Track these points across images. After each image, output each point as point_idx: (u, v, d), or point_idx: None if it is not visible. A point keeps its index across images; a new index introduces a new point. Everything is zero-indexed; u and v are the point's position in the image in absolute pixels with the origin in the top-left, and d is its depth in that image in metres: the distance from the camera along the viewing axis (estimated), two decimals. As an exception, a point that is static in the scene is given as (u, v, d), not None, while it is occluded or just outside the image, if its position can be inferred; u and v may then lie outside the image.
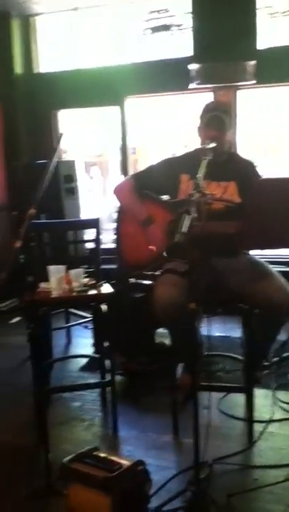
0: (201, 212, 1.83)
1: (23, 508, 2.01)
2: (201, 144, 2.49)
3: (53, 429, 2.17)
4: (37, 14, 5.07)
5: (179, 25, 4.46)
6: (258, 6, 4.26)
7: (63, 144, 4.43)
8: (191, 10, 4.41)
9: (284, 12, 4.15)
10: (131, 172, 5.08)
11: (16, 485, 2.19)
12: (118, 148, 5.21)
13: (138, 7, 4.69)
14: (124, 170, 5.08)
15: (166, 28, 4.48)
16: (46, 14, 5.06)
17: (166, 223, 2.51)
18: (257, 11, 4.26)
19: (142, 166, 4.90)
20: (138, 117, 5.16)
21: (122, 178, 5.07)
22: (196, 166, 2.15)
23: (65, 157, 5.36)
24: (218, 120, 2.52)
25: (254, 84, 4.33)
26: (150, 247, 2.47)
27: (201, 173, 2.03)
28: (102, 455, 1.96)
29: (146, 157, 5.85)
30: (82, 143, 5.74)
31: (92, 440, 2.58)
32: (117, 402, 2.69)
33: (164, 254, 2.42)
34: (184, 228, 1.72)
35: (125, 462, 1.90)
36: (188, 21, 4.44)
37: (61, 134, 2.14)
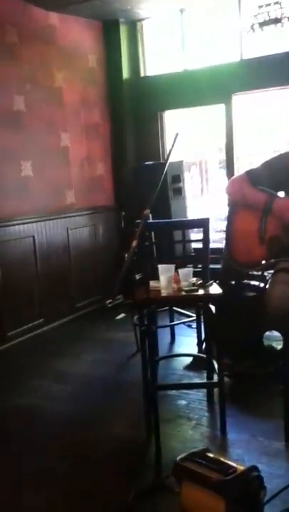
0: None
1: (135, 503, 2.05)
2: None
3: (161, 427, 2.20)
4: (143, 19, 5.17)
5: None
6: None
7: (171, 144, 4.46)
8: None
9: None
10: (235, 170, 5.01)
11: (128, 481, 2.25)
12: (218, 148, 5.15)
13: (246, 2, 4.59)
14: (229, 168, 5.00)
15: (276, 21, 4.32)
16: (152, 18, 5.13)
17: (283, 218, 2.41)
18: None
19: (245, 165, 4.80)
20: (244, 118, 5.03)
21: (227, 176, 5.03)
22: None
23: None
24: None
25: None
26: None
27: None
28: (215, 457, 1.94)
29: (249, 155, 5.70)
30: (186, 142, 5.74)
31: (200, 440, 2.58)
32: (225, 403, 2.65)
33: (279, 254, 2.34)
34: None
35: (239, 466, 1.86)
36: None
37: (177, 134, 2.13)
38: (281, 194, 2.57)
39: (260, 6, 4.40)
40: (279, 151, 2.90)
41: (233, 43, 4.78)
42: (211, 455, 1.95)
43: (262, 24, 4.41)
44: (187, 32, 5.03)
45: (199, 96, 4.90)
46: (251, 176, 2.60)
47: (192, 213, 4.83)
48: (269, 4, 4.36)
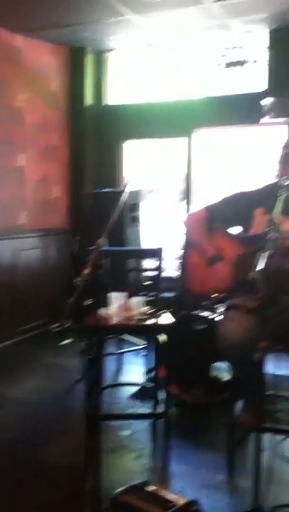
0: (277, 248, 1.80)
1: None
2: (277, 179, 2.47)
3: (101, 457, 2.14)
4: (111, 49, 5.28)
5: (253, 61, 4.50)
6: None
7: (129, 174, 4.52)
8: (267, 45, 4.47)
9: None
10: (193, 201, 5.14)
11: None
12: (179, 178, 5.27)
13: (213, 43, 4.78)
14: (188, 199, 5.12)
15: (240, 63, 4.55)
16: (120, 49, 5.25)
17: (235, 257, 2.48)
18: None
19: (204, 197, 4.93)
20: (204, 148, 5.20)
21: (185, 207, 5.13)
22: (271, 200, 2.13)
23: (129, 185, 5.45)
24: None
25: None
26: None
27: (277, 210, 2.01)
28: (154, 490, 1.92)
29: (208, 188, 5.87)
30: (145, 171, 5.84)
31: (142, 472, 2.52)
32: (169, 434, 2.63)
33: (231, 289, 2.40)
34: (260, 265, 1.69)
35: (179, 500, 1.85)
36: (263, 55, 4.48)
37: (127, 181, 2.20)
38: (239, 229, 2.65)
39: (227, 48, 4.62)
40: (239, 186, 3.01)
41: (198, 79, 4.95)
42: (151, 488, 1.92)
43: (228, 65, 4.62)
44: (153, 65, 5.17)
45: (162, 128, 5.01)
46: (210, 212, 2.68)
47: (150, 241, 4.86)
48: (235, 47, 4.58)
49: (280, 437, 2.71)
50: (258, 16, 4.14)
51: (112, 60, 5.42)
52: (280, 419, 3.00)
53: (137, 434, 2.92)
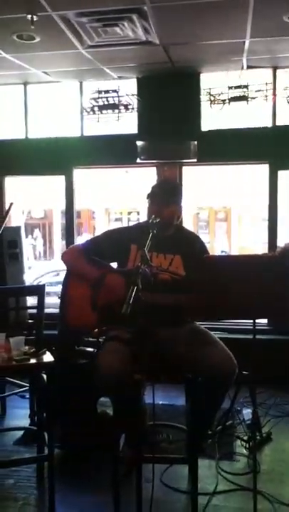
0: (147, 282, 1.89)
1: None
2: (148, 218, 2.61)
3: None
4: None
5: (126, 105, 4.72)
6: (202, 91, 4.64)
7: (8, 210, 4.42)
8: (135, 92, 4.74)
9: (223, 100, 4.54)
10: (76, 236, 5.17)
11: None
12: (61, 212, 5.30)
13: (87, 85, 4.96)
14: (70, 235, 5.15)
15: (114, 106, 4.74)
16: (-2, 85, 5.22)
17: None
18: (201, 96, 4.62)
19: (85, 229, 5.00)
20: (85, 185, 5.30)
21: (64, 242, 5.13)
22: (144, 237, 2.24)
23: (8, 221, 5.35)
24: (158, 197, 2.65)
25: (196, 161, 4.62)
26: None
27: (146, 246, 2.12)
28: None
29: (89, 221, 5.97)
30: (26, 205, 5.78)
31: (27, 523, 2.42)
32: (55, 479, 2.55)
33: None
34: (130, 299, 1.76)
35: None
36: (135, 101, 4.74)
37: (11, 204, 2.15)
38: (114, 265, 2.73)
39: (100, 92, 4.79)
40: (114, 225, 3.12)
41: (75, 119, 5.07)
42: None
43: (101, 108, 4.79)
44: (31, 103, 5.20)
45: (40, 165, 5.01)
46: (87, 246, 2.73)
47: (34, 276, 4.77)
48: (107, 91, 4.78)
49: (164, 466, 2.79)
50: (128, 65, 4.41)
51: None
52: (164, 449, 3.07)
53: (21, 481, 2.80)
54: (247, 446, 3.07)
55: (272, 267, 1.93)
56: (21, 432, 3.33)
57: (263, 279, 1.87)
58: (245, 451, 3.06)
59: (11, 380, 3.95)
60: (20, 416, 3.68)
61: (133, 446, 2.57)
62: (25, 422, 3.46)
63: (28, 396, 3.66)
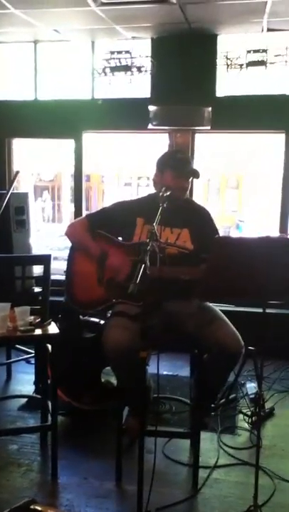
0: (155, 257, 1.84)
1: None
2: (158, 190, 2.51)
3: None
4: (-2, 43, 5.04)
5: (139, 68, 4.54)
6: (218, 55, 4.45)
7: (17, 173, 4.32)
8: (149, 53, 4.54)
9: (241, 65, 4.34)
10: (84, 199, 5.09)
11: None
12: (70, 175, 5.21)
13: (99, 45, 4.77)
14: (78, 199, 5.07)
15: (126, 68, 4.56)
16: (7, 44, 5.03)
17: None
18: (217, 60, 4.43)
19: (94, 193, 4.92)
20: (95, 149, 5.17)
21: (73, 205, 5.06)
22: (151, 210, 2.18)
23: (17, 186, 5.27)
24: (172, 169, 2.52)
25: (209, 129, 4.47)
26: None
27: (156, 221, 2.05)
28: (40, 509, 1.85)
29: (98, 185, 5.88)
30: (36, 167, 5.68)
31: (30, 488, 2.46)
32: (58, 446, 2.58)
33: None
34: (138, 278, 1.71)
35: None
36: (148, 64, 4.56)
37: (17, 172, 2.07)
38: (119, 238, 2.67)
39: (112, 52, 4.61)
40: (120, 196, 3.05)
41: (85, 81, 4.90)
42: (36, 507, 1.86)
43: (113, 69, 4.61)
44: (40, 63, 5.02)
45: (49, 128, 4.88)
46: (91, 220, 2.67)
47: (38, 242, 4.72)
48: (120, 52, 4.59)
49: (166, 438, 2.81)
50: (142, 24, 4.21)
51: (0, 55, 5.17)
52: (167, 420, 3.09)
53: (25, 447, 2.83)
54: (249, 421, 3.08)
55: (285, 250, 1.87)
56: (25, 399, 3.37)
57: (275, 262, 1.80)
58: (247, 426, 3.07)
59: (18, 346, 3.97)
60: (25, 382, 3.72)
61: (135, 419, 2.58)
62: (31, 388, 3.50)
63: (32, 362, 3.69)
